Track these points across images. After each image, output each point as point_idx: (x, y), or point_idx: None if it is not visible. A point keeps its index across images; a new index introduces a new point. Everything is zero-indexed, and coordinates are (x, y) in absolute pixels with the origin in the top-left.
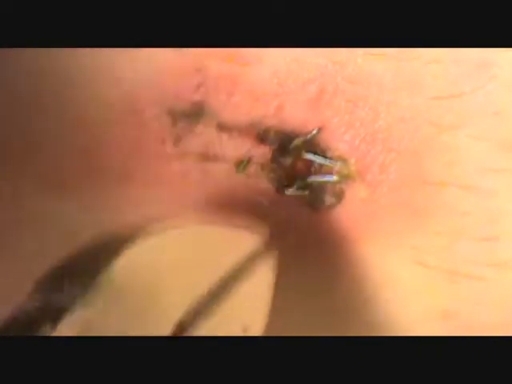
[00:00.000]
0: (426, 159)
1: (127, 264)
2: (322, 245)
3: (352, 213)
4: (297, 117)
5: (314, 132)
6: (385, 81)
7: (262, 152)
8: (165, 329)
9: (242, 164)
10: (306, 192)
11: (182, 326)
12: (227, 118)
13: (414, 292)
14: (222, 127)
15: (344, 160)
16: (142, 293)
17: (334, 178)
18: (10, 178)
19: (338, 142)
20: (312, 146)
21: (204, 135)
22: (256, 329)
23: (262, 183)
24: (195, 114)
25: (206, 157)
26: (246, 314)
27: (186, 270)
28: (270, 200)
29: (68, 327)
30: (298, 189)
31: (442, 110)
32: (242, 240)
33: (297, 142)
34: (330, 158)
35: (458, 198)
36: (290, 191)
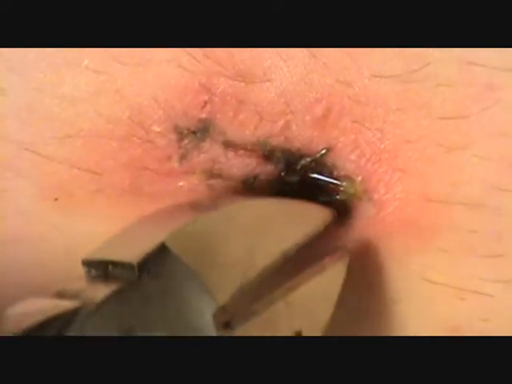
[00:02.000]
0: (432, 178)
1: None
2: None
3: (357, 231)
4: (303, 136)
5: (322, 152)
6: (391, 101)
7: (268, 170)
8: (211, 309)
9: (248, 182)
10: None
11: (224, 309)
12: (233, 135)
13: (422, 308)
14: (229, 145)
15: (350, 179)
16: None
17: (341, 196)
18: (18, 191)
19: (345, 161)
20: (319, 165)
21: (210, 152)
22: (311, 331)
23: None
24: (201, 131)
25: (212, 174)
26: (302, 315)
27: (244, 243)
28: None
29: None
30: None
31: (449, 130)
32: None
33: (304, 161)
34: (337, 178)
35: (464, 216)
36: None
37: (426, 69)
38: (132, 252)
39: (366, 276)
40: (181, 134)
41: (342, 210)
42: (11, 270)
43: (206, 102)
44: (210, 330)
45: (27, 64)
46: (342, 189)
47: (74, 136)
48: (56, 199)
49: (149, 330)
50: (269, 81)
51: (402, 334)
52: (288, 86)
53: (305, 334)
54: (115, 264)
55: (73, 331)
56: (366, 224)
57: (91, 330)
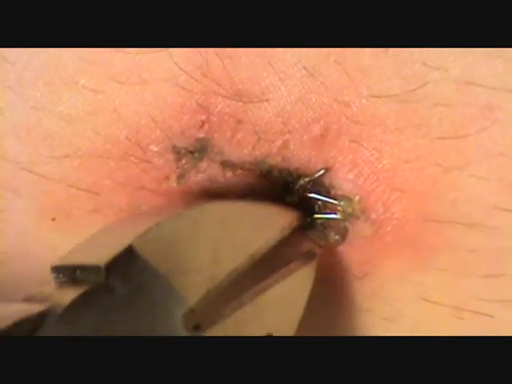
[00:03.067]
0: (430, 198)
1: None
2: (325, 282)
3: (356, 250)
4: (301, 155)
5: (321, 173)
6: (389, 121)
7: (266, 190)
8: (180, 311)
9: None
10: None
11: (193, 311)
12: (231, 155)
13: (420, 327)
14: (226, 164)
15: (348, 198)
16: (164, 272)
17: (338, 215)
18: (16, 210)
19: (343, 180)
20: (317, 185)
21: (208, 172)
22: (281, 332)
23: None
24: (199, 150)
25: (210, 193)
26: (273, 315)
27: (211, 248)
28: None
29: None
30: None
31: (447, 150)
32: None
33: (302, 181)
34: (334, 198)
35: (463, 235)
36: None
37: (424, 88)
38: (99, 255)
39: (363, 295)
40: (178, 153)
41: (341, 230)
42: (9, 289)
43: (203, 122)
44: (179, 332)
45: (24, 83)
46: (339, 208)
47: (72, 155)
48: (53, 219)
49: (117, 332)
50: (267, 100)
51: None
52: (286, 105)
53: (275, 335)
54: (83, 268)
55: (41, 334)
56: (363, 243)
57: (59, 333)
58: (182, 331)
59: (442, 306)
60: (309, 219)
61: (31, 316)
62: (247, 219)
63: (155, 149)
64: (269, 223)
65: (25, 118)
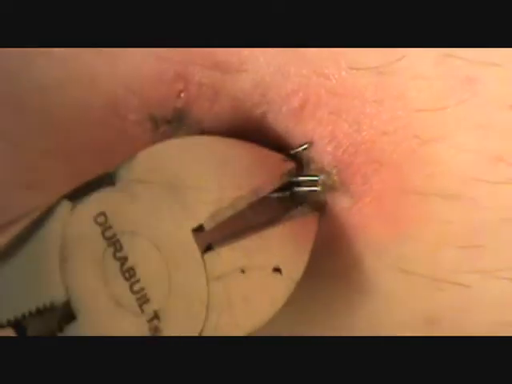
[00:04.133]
0: (408, 170)
1: (151, 157)
2: None
3: (335, 222)
4: (279, 127)
5: (304, 146)
6: (368, 93)
7: None
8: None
9: None
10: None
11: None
12: (209, 125)
13: (399, 298)
14: (204, 134)
15: (327, 172)
16: (166, 186)
17: (318, 188)
18: None
19: (322, 152)
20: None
21: None
22: (289, 274)
23: None
24: (177, 120)
25: None
26: (279, 252)
27: (215, 174)
28: (253, 209)
29: None
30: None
31: (425, 122)
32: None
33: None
34: (314, 174)
35: (441, 207)
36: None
37: (403, 61)
38: None
39: (341, 266)
40: (156, 122)
41: (320, 202)
42: None
43: (181, 91)
44: (189, 244)
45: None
46: (319, 180)
47: (47, 123)
48: (28, 187)
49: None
50: (245, 71)
51: (378, 325)
52: (264, 76)
53: (284, 272)
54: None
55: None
56: (342, 215)
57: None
58: (193, 247)
59: (420, 277)
60: (288, 192)
61: None
62: (249, 157)
63: (133, 118)
64: (270, 166)
65: (3, 89)
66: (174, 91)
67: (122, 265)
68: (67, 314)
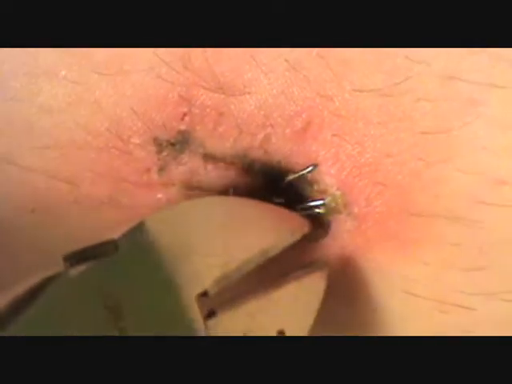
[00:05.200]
0: (413, 192)
1: (162, 221)
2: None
3: (338, 244)
4: (283, 149)
5: (309, 169)
6: (372, 115)
7: (248, 182)
8: (193, 291)
9: (227, 194)
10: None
11: (207, 294)
12: (213, 147)
13: (403, 320)
14: (208, 157)
15: (331, 194)
16: (175, 251)
17: (321, 210)
18: None
19: (325, 174)
20: (301, 180)
21: (189, 164)
22: (294, 334)
23: None
24: (181, 142)
25: (191, 186)
26: (285, 315)
27: (223, 237)
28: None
29: None
30: None
31: (430, 144)
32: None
33: (291, 177)
34: (318, 198)
35: (446, 229)
36: None
37: (407, 83)
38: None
39: (346, 289)
40: (160, 145)
41: (323, 224)
42: None
43: (185, 114)
44: (190, 312)
45: (4, 74)
46: (322, 202)
47: (52, 147)
48: (33, 210)
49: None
50: (249, 93)
51: None
52: (268, 98)
53: (288, 334)
54: (93, 247)
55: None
56: (346, 237)
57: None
58: (194, 313)
59: (424, 300)
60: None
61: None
62: (260, 216)
63: (136, 141)
64: (281, 225)
65: (5, 110)
66: (178, 114)
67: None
68: None
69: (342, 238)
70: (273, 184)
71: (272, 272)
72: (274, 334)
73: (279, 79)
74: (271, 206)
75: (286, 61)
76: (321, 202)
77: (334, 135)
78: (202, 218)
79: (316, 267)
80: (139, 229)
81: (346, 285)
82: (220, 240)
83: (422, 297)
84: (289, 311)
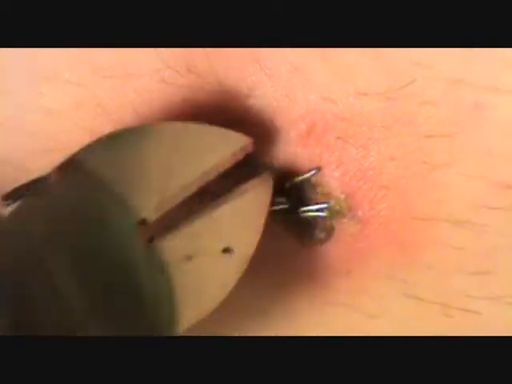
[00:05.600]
0: (417, 196)
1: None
2: (311, 279)
3: (342, 248)
4: (287, 152)
5: (312, 172)
6: (376, 118)
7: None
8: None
9: None
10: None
11: (145, 222)
12: None
13: (408, 324)
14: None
15: (335, 197)
16: (111, 181)
17: (325, 213)
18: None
19: (329, 177)
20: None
21: None
22: (241, 252)
23: None
24: None
25: None
26: (230, 231)
27: (160, 163)
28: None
29: None
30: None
31: (434, 148)
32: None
33: (294, 180)
34: (322, 201)
35: (450, 233)
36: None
37: (412, 86)
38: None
39: (349, 291)
40: None
41: (327, 227)
42: None
43: (187, 116)
44: (132, 242)
45: (6, 76)
46: (326, 206)
47: (55, 150)
48: None
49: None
50: (253, 97)
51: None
52: (272, 102)
53: (235, 252)
54: (29, 184)
55: None
56: (349, 241)
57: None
58: (135, 241)
59: (429, 304)
60: (295, 216)
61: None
62: (200, 139)
63: None
64: (222, 144)
65: (8, 112)
66: (182, 117)
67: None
68: None
69: (346, 242)
70: (276, 187)
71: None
72: (220, 253)
73: (283, 82)
74: (212, 127)
75: (290, 64)
76: (325, 205)
77: (337, 138)
78: (138, 146)
79: (260, 179)
80: (71, 160)
81: (350, 288)
82: (158, 166)
83: (425, 301)
84: (233, 228)
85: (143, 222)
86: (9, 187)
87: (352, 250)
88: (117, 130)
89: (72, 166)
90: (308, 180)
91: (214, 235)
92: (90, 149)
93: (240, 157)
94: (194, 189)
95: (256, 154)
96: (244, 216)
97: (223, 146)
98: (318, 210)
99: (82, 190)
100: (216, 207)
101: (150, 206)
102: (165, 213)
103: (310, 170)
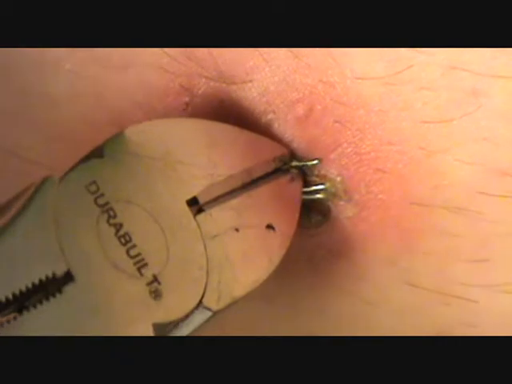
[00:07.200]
0: (414, 181)
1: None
2: (309, 263)
3: (339, 231)
4: (285, 135)
5: (314, 162)
6: (373, 103)
7: None
8: (181, 199)
9: None
10: None
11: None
12: None
13: (405, 312)
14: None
15: (331, 179)
16: (158, 160)
17: (321, 195)
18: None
19: (325, 160)
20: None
21: None
22: (282, 230)
23: None
24: None
25: None
26: (270, 210)
27: (207, 153)
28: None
29: None
30: None
31: (431, 134)
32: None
33: (293, 164)
34: (318, 182)
35: (447, 219)
36: None
37: (410, 71)
38: None
39: (348, 278)
40: None
41: (324, 210)
42: None
43: (187, 104)
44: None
45: (8, 67)
46: (322, 188)
47: (57, 139)
48: None
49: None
50: (251, 81)
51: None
52: (270, 86)
53: (277, 229)
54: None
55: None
56: (347, 224)
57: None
58: (187, 214)
59: (426, 291)
60: None
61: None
62: (240, 140)
63: None
64: (262, 150)
65: (9, 102)
66: (180, 103)
67: (117, 231)
68: (66, 277)
69: (343, 225)
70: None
71: None
72: (264, 228)
73: (281, 66)
74: (253, 134)
75: (288, 48)
76: (321, 186)
77: (335, 122)
78: (185, 134)
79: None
80: (122, 136)
81: (347, 273)
82: (204, 155)
83: (423, 288)
84: (273, 206)
85: (194, 202)
86: (4, 176)
87: (350, 234)
88: (166, 119)
89: (121, 139)
90: (308, 168)
91: (256, 212)
92: (137, 130)
93: (278, 165)
94: (238, 183)
95: None
96: (281, 198)
97: (263, 151)
98: (313, 192)
99: (131, 161)
100: (254, 188)
101: (199, 187)
102: (214, 197)
103: (311, 159)
